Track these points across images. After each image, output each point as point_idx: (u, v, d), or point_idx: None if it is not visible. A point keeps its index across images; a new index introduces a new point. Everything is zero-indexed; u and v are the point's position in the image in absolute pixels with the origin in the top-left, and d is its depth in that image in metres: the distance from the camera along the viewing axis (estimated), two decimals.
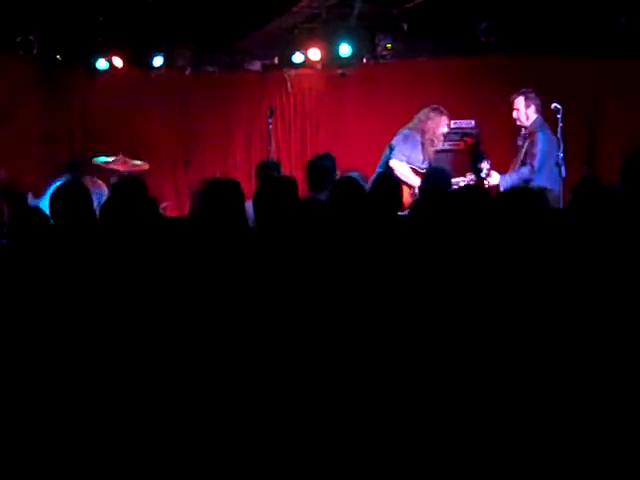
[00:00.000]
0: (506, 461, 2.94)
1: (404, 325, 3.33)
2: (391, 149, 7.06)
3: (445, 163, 7.14)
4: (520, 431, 2.97)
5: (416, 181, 6.85)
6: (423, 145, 7.06)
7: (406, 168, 6.93)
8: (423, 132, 7.06)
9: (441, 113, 7.10)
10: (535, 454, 2.93)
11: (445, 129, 7.17)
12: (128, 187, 4.57)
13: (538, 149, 6.74)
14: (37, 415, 3.17)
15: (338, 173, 7.75)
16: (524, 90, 6.99)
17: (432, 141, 7.08)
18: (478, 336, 3.19)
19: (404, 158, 6.97)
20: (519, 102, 6.95)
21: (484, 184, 6.73)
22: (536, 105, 6.94)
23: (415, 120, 7.15)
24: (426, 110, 7.14)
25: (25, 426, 3.15)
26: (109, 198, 4.41)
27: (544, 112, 6.90)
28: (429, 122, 7.06)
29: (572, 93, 7.82)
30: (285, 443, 3.04)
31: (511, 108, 6.97)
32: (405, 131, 7.12)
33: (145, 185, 4.67)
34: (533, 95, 6.95)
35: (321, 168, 5.19)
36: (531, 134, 6.89)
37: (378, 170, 7.09)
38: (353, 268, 3.66)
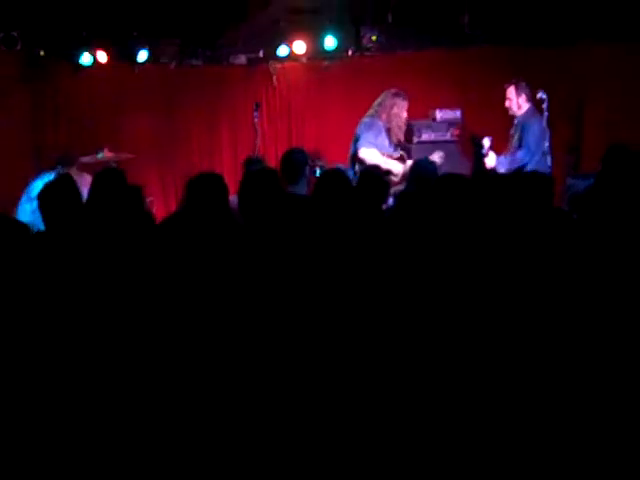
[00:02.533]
0: (505, 459, 2.94)
1: (395, 318, 3.34)
2: (356, 139, 7.04)
3: (431, 154, 7.12)
4: (519, 429, 2.97)
5: (390, 164, 6.84)
6: (389, 131, 7.05)
7: (376, 154, 6.89)
8: (389, 118, 7.04)
9: (404, 98, 7.10)
10: (534, 452, 2.93)
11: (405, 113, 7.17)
12: (108, 179, 4.56)
13: (533, 134, 6.82)
14: (36, 413, 3.16)
15: (324, 165, 7.78)
16: (515, 80, 7.09)
17: (400, 127, 7.09)
18: (472, 326, 3.20)
19: (371, 145, 6.94)
20: (511, 92, 7.07)
21: (483, 163, 6.78)
22: (527, 94, 7.05)
23: (375, 107, 7.11)
24: (388, 96, 7.11)
25: (24, 424, 3.14)
26: (91, 192, 4.41)
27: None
28: (395, 108, 7.05)
29: (557, 83, 7.85)
30: (276, 440, 3.05)
31: (503, 98, 7.05)
32: (366, 120, 7.09)
33: (124, 175, 4.68)
34: (524, 84, 7.08)
35: (295, 161, 5.23)
36: (524, 122, 6.95)
37: (349, 164, 7.05)
38: (341, 260, 3.66)
